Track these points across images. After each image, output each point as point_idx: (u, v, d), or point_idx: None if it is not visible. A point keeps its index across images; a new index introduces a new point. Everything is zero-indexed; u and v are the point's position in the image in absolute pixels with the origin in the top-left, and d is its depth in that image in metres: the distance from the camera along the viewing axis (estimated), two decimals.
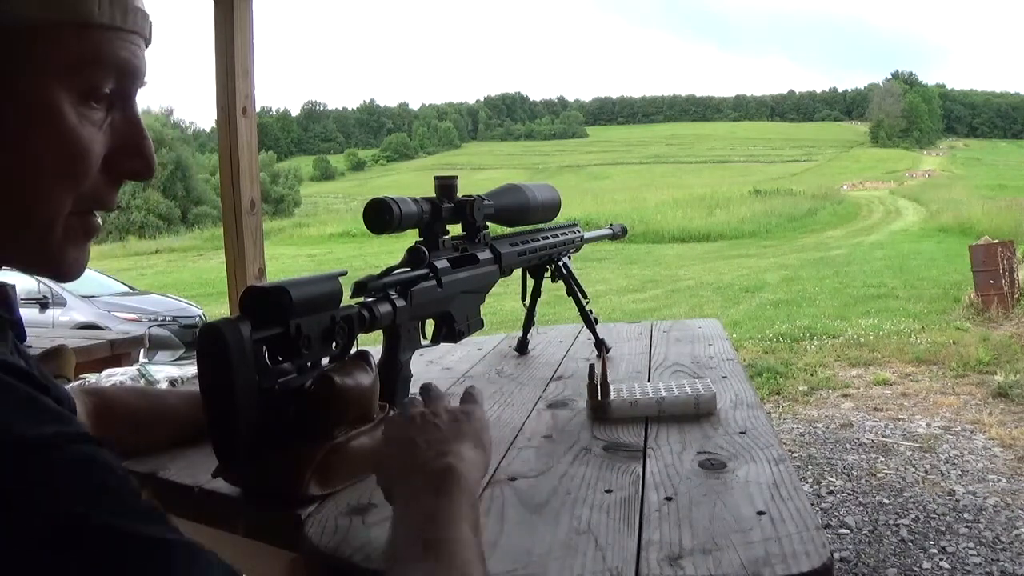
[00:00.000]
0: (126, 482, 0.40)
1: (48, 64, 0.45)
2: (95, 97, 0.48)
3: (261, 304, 0.69)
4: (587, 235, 1.49)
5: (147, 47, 0.52)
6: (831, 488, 3.05)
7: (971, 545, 2.49)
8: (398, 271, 0.94)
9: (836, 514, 2.79)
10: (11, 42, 0.44)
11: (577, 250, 1.46)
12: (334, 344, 0.77)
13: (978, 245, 6.96)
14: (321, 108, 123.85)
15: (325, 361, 0.77)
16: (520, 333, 1.56)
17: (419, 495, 0.58)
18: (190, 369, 1.46)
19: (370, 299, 0.88)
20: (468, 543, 0.53)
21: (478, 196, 1.12)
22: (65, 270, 0.50)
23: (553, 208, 1.32)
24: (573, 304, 1.45)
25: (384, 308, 0.88)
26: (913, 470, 3.19)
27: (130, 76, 0.50)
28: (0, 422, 0.37)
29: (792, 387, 4.65)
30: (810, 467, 3.29)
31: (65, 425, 0.39)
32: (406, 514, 0.58)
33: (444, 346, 1.11)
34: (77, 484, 0.37)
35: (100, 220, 0.52)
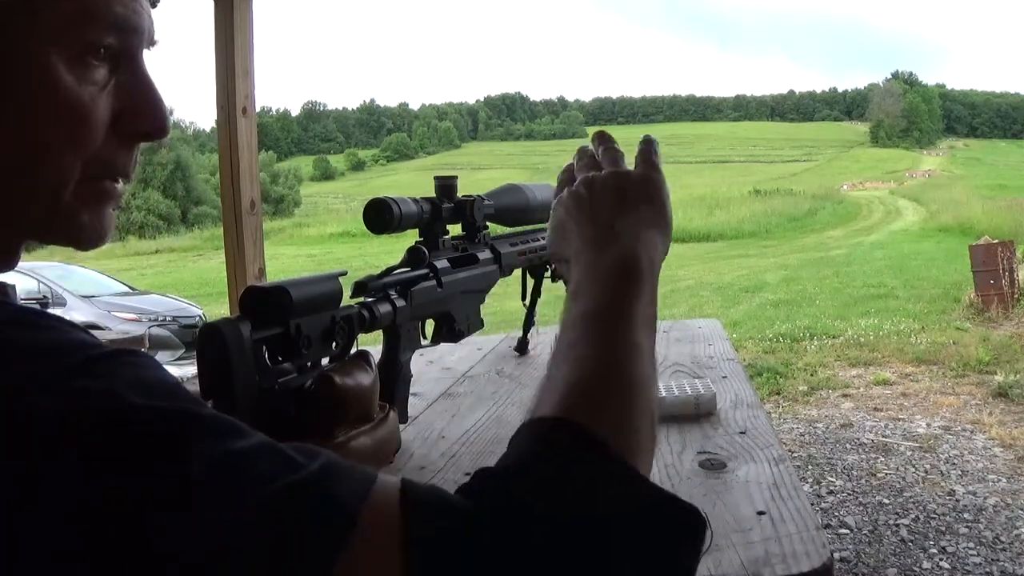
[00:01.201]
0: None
1: (40, 26, 0.43)
2: (93, 55, 0.46)
3: (261, 304, 0.69)
4: None
5: (154, 6, 0.50)
6: (831, 488, 3.05)
7: (971, 545, 2.49)
8: (398, 271, 0.94)
9: (836, 514, 2.79)
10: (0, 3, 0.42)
11: None
12: (334, 344, 0.77)
13: (978, 245, 6.96)
14: (321, 108, 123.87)
15: (325, 361, 0.77)
16: (520, 333, 1.56)
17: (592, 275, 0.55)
18: (190, 369, 1.46)
19: (370, 299, 0.88)
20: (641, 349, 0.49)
21: (478, 196, 1.12)
22: (83, 236, 0.49)
23: None
24: None
25: (384, 308, 0.88)
26: (913, 470, 3.19)
27: (131, 33, 0.47)
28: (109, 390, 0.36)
29: (792, 387, 4.65)
30: (810, 467, 3.29)
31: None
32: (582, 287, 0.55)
33: (444, 346, 1.11)
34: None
35: (120, 186, 0.50)
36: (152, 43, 0.49)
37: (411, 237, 1.01)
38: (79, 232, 0.48)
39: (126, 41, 0.47)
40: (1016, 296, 6.59)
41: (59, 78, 0.44)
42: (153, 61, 0.52)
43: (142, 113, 0.49)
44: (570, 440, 0.42)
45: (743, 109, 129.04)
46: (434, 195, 1.04)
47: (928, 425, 3.79)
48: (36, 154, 0.45)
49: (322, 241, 22.61)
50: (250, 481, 0.36)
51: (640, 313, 0.53)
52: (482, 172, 71.36)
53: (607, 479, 0.41)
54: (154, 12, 0.51)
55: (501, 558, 0.37)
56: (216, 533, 0.34)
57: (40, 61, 0.43)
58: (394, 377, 0.95)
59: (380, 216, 0.92)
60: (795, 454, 3.44)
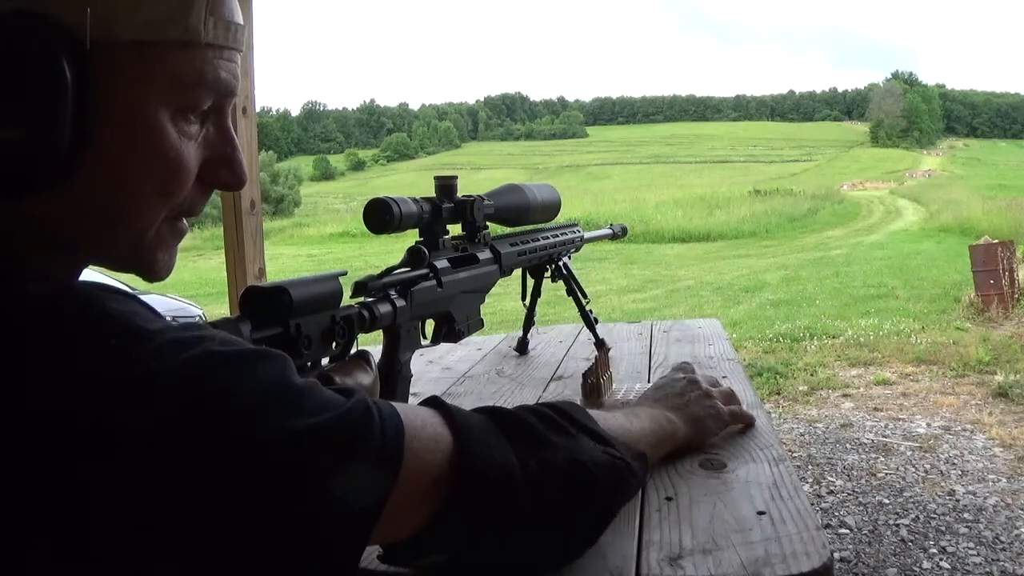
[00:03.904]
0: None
1: (152, 82, 0.46)
2: (194, 113, 0.49)
3: (261, 304, 0.69)
4: (587, 235, 1.49)
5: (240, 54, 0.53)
6: (831, 488, 3.05)
7: (971, 545, 2.49)
8: (398, 271, 0.94)
9: (836, 514, 2.79)
10: (117, 60, 0.44)
11: (577, 250, 1.46)
12: (334, 344, 0.77)
13: (978, 245, 6.96)
14: (321, 108, 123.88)
15: (325, 361, 0.77)
16: (520, 333, 1.56)
17: (649, 412, 0.82)
18: None
19: (370, 299, 0.88)
20: (636, 437, 0.74)
21: (478, 196, 1.12)
22: (155, 272, 0.52)
23: (553, 208, 1.32)
24: (573, 304, 1.45)
25: (384, 308, 0.88)
26: (913, 470, 3.19)
27: (228, 93, 0.51)
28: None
29: (792, 387, 4.65)
30: (810, 467, 3.29)
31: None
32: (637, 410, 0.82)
33: (444, 346, 1.11)
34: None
35: (187, 223, 0.54)
36: (235, 95, 0.53)
37: (411, 237, 1.01)
38: (153, 267, 0.52)
39: (221, 101, 0.51)
40: (1016, 296, 6.58)
41: (165, 132, 0.47)
42: None
43: (225, 167, 0.52)
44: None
45: (743, 109, 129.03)
46: (434, 195, 1.04)
47: (928, 425, 3.79)
48: (131, 201, 0.47)
49: (322, 241, 22.59)
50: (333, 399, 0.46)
51: (650, 444, 0.77)
52: (482, 172, 71.35)
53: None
54: None
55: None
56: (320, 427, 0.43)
57: (148, 115, 0.46)
58: (394, 377, 0.95)
59: (380, 216, 0.92)
60: (795, 454, 3.44)
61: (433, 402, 0.56)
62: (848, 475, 3.17)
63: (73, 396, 0.37)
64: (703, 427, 0.86)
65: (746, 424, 0.92)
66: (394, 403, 0.51)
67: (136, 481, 0.38)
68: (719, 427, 0.88)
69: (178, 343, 0.41)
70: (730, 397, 0.93)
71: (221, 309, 8.09)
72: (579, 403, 1.08)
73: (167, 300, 8.58)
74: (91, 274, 0.58)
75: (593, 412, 0.69)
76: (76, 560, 0.38)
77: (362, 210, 0.93)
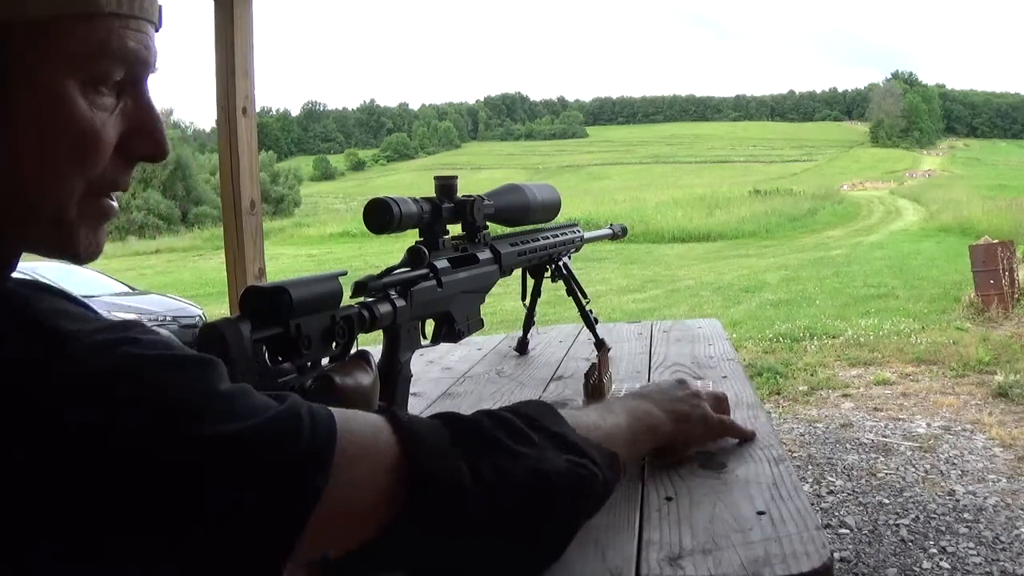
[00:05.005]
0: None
1: (57, 56, 0.45)
2: (105, 85, 0.48)
3: (261, 304, 0.69)
4: (587, 235, 1.49)
5: (157, 31, 0.52)
6: (831, 488, 3.05)
7: (971, 545, 2.49)
8: (398, 271, 0.94)
9: (836, 514, 2.79)
10: (19, 36, 0.44)
11: (577, 250, 1.46)
12: (334, 344, 0.77)
13: (978, 245, 6.96)
14: (321, 108, 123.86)
15: (325, 361, 0.77)
16: (520, 333, 1.56)
17: (628, 404, 0.79)
18: None
19: (370, 299, 0.88)
20: (614, 437, 0.71)
21: (478, 196, 1.12)
22: (80, 252, 0.51)
23: (553, 208, 1.32)
24: (573, 304, 1.45)
25: (384, 308, 0.88)
26: (913, 470, 3.19)
27: (139, 65, 0.50)
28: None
29: (792, 387, 4.65)
30: (810, 467, 3.29)
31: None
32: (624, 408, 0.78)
33: (444, 346, 1.11)
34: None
35: (116, 203, 0.53)
36: (155, 70, 0.52)
37: (411, 237, 1.01)
38: (77, 247, 0.51)
39: (134, 71, 0.50)
40: (1016, 296, 6.58)
41: (74, 105, 0.46)
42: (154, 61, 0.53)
43: (145, 137, 0.52)
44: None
45: (743, 109, 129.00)
46: (434, 195, 1.04)
47: (928, 425, 3.79)
48: (44, 175, 0.47)
49: (322, 241, 22.59)
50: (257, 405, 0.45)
51: (626, 440, 0.74)
52: (482, 172, 71.35)
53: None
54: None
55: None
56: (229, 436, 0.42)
57: (56, 88, 0.46)
58: (394, 377, 0.95)
59: (380, 216, 0.92)
60: (795, 454, 3.44)
61: (383, 410, 0.56)
62: (848, 475, 3.17)
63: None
64: (689, 426, 0.82)
65: (743, 438, 0.88)
66: (338, 410, 0.50)
67: (61, 488, 0.38)
68: (704, 429, 0.84)
69: (97, 348, 0.41)
70: (720, 403, 0.89)
71: (221, 309, 8.09)
72: (581, 403, 1.08)
73: (167, 300, 8.59)
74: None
75: (565, 411, 0.68)
76: (75, 560, 0.38)
77: (362, 210, 0.93)
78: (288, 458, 0.44)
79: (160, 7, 0.52)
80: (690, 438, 0.83)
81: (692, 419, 0.83)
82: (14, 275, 0.49)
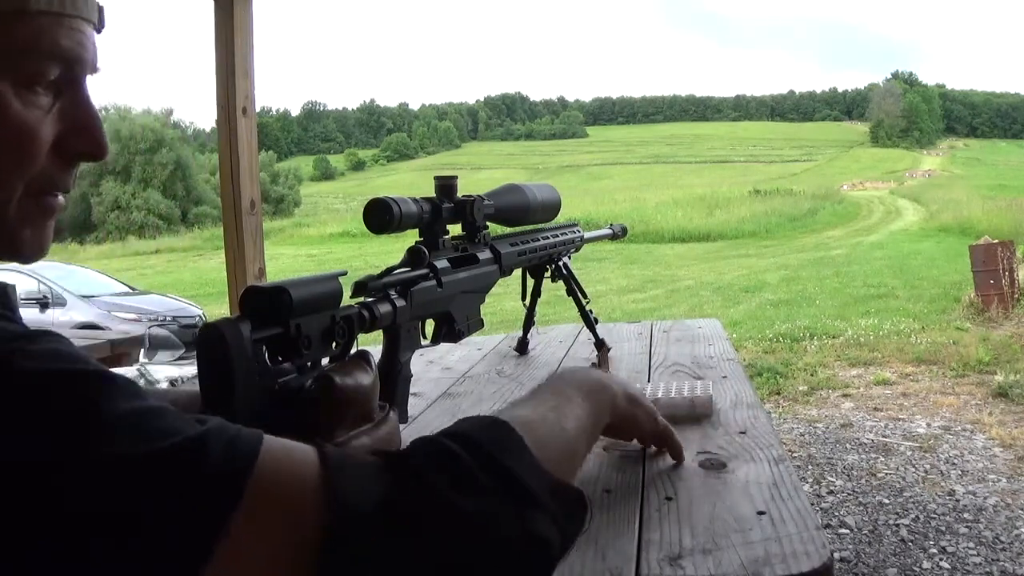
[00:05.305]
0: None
1: None
2: (39, 84, 0.48)
3: (261, 304, 0.69)
4: (587, 235, 1.49)
5: (98, 32, 0.51)
6: (831, 488, 3.05)
7: (971, 545, 2.49)
8: (398, 271, 0.94)
9: (836, 514, 2.79)
10: None
11: (577, 250, 1.46)
12: (334, 344, 0.77)
13: (978, 245, 6.96)
14: (321, 108, 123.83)
15: (325, 361, 0.77)
16: (520, 333, 1.56)
17: (580, 381, 0.74)
18: (190, 369, 1.46)
19: (370, 299, 0.88)
20: (566, 435, 0.64)
21: (478, 196, 1.12)
22: (24, 251, 0.51)
23: (553, 208, 1.32)
24: (573, 304, 1.45)
25: (384, 308, 0.88)
26: (913, 470, 3.19)
27: (75, 63, 0.49)
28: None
29: (792, 387, 4.65)
30: (810, 467, 3.29)
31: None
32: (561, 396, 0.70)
33: (444, 346, 1.11)
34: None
35: (61, 200, 0.53)
36: (95, 70, 0.52)
37: (411, 237, 1.01)
38: (21, 246, 0.51)
39: (71, 70, 0.49)
40: (1016, 296, 6.58)
41: (7, 104, 0.46)
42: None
43: (83, 136, 0.51)
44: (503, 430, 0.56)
45: (743, 109, 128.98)
46: (434, 195, 1.04)
47: (928, 425, 3.79)
48: None
49: (322, 241, 22.59)
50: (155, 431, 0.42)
51: (588, 429, 0.70)
52: (482, 172, 71.32)
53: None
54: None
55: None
56: (116, 471, 0.39)
57: None
58: (394, 377, 0.95)
59: (380, 216, 0.92)
60: (795, 454, 3.44)
61: (315, 442, 0.49)
62: (848, 475, 3.17)
63: None
64: (640, 407, 0.81)
65: (677, 457, 0.85)
66: (268, 440, 0.46)
67: None
68: (651, 423, 0.82)
69: None
70: (666, 433, 0.85)
71: (221, 309, 8.09)
72: None
73: (167, 300, 8.60)
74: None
75: (523, 419, 0.59)
76: (74, 561, 0.38)
77: (362, 210, 0.93)
78: (192, 483, 0.41)
79: (100, 7, 0.52)
80: (639, 421, 0.81)
81: (642, 403, 0.82)
82: None
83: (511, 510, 0.50)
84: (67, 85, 0.50)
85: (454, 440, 0.52)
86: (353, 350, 0.80)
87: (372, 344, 0.94)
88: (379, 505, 0.45)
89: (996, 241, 7.00)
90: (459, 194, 1.08)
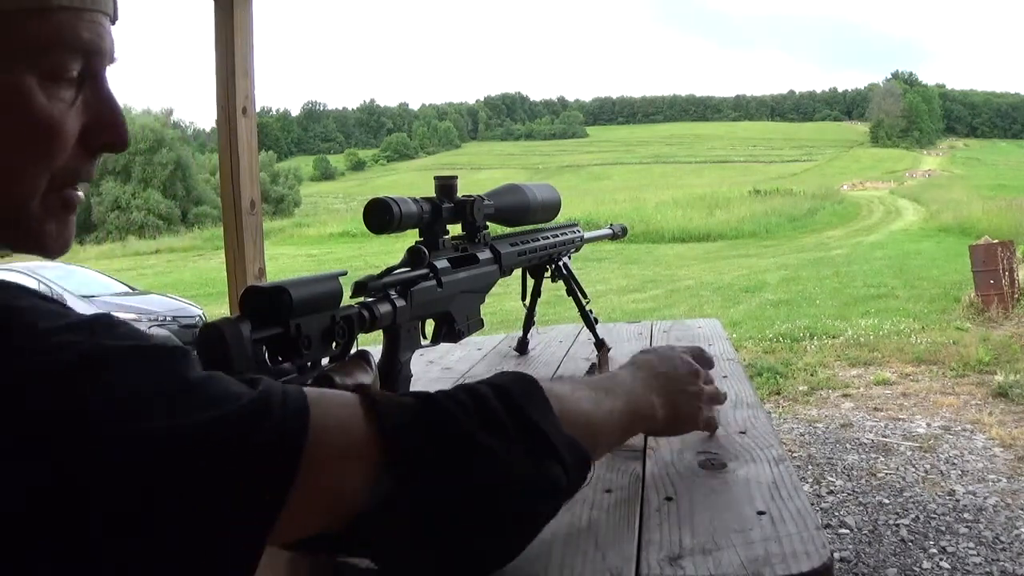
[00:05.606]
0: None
1: (11, 51, 0.46)
2: (63, 78, 0.48)
3: (261, 304, 0.69)
4: (587, 235, 1.49)
5: (113, 23, 0.52)
6: (831, 488, 3.05)
7: (971, 545, 2.49)
8: (398, 271, 0.94)
9: (836, 514, 2.79)
10: None
11: (577, 250, 1.46)
12: (334, 344, 0.77)
13: (978, 245, 6.96)
14: (321, 108, 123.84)
15: (325, 361, 0.77)
16: (520, 333, 1.56)
17: (632, 390, 0.76)
18: None
19: (370, 299, 0.88)
20: (604, 427, 0.69)
21: (478, 196, 1.11)
22: (49, 245, 0.52)
23: (553, 208, 1.32)
24: (573, 304, 1.45)
25: (384, 308, 0.88)
26: (913, 470, 3.19)
27: (96, 55, 0.50)
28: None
29: (792, 387, 4.65)
30: (810, 467, 3.29)
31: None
32: (610, 383, 0.75)
33: (444, 346, 1.11)
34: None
35: (81, 193, 0.53)
36: (112, 60, 0.52)
37: (411, 237, 1.01)
38: (46, 240, 0.51)
39: (92, 63, 0.50)
40: (1016, 296, 6.58)
41: (32, 99, 0.47)
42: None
43: (106, 128, 0.52)
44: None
45: (743, 109, 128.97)
46: (434, 195, 1.04)
47: (928, 425, 3.79)
48: (7, 172, 0.47)
49: (322, 241, 22.60)
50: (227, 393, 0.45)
51: (616, 429, 0.73)
52: (482, 172, 71.33)
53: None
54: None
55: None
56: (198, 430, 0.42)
57: (13, 84, 0.46)
58: (394, 377, 0.95)
59: (380, 216, 0.92)
60: (795, 454, 3.44)
61: (356, 388, 0.54)
62: (848, 475, 3.17)
63: None
64: (679, 423, 0.83)
65: (711, 431, 0.89)
66: (311, 391, 0.50)
67: (28, 481, 0.37)
68: (692, 429, 0.85)
69: (66, 342, 0.41)
70: (714, 400, 0.88)
71: (221, 309, 8.09)
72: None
73: (167, 300, 8.59)
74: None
75: (556, 389, 0.64)
76: (75, 560, 0.38)
77: (362, 210, 0.93)
78: (258, 447, 0.44)
79: (115, 1, 0.52)
80: (672, 434, 0.85)
81: (684, 420, 0.83)
82: None
83: (530, 453, 0.57)
84: (88, 78, 0.51)
85: (490, 387, 0.59)
86: (353, 350, 0.80)
87: (372, 344, 0.94)
88: (419, 441, 0.51)
89: (996, 241, 7.01)
90: (459, 194, 1.08)
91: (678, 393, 0.81)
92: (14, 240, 0.50)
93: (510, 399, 0.58)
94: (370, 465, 0.50)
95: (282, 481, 0.45)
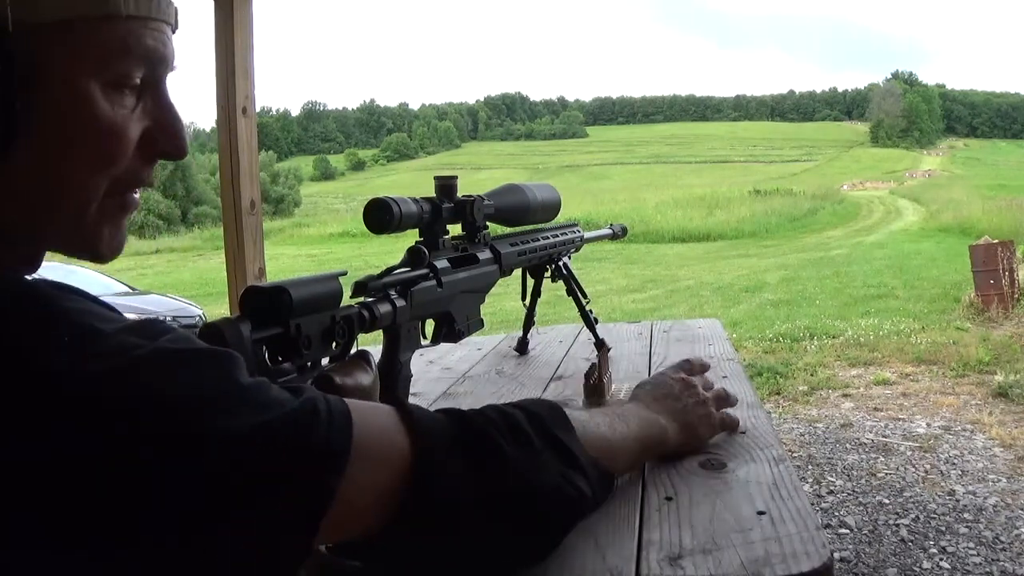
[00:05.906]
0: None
1: (79, 58, 0.47)
2: (126, 85, 0.49)
3: (261, 304, 0.69)
4: (587, 235, 1.49)
5: (174, 32, 0.53)
6: (831, 488, 3.05)
7: (971, 545, 2.49)
8: (398, 271, 0.94)
9: (836, 514, 2.79)
10: (42, 38, 0.45)
11: (577, 250, 1.46)
12: (334, 344, 0.77)
13: (978, 245, 6.96)
14: (321, 108, 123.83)
15: (325, 361, 0.77)
16: (520, 333, 1.56)
17: (640, 415, 0.79)
18: None
19: (370, 299, 0.88)
20: (621, 451, 0.73)
21: (478, 196, 1.12)
22: (103, 249, 0.53)
23: (553, 208, 1.32)
24: (573, 304, 1.45)
25: (384, 308, 0.88)
26: (913, 470, 3.19)
27: (159, 63, 0.51)
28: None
29: (792, 387, 4.65)
30: (810, 467, 3.29)
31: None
32: (625, 411, 0.79)
33: (444, 346, 1.11)
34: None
35: (138, 196, 0.54)
36: (173, 68, 0.53)
37: (411, 237, 1.01)
38: (99, 245, 0.52)
39: (154, 71, 0.51)
40: (1016, 296, 6.58)
41: (96, 105, 0.48)
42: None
43: (166, 135, 0.53)
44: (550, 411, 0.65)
45: (743, 109, 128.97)
46: (434, 195, 1.04)
47: (928, 425, 3.79)
48: (69, 176, 0.48)
49: (322, 241, 22.58)
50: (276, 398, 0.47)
51: (632, 451, 0.76)
52: (482, 172, 71.34)
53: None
54: None
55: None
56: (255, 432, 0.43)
57: (79, 90, 0.47)
58: (394, 377, 0.95)
59: (380, 216, 0.92)
60: (795, 454, 3.44)
61: (394, 402, 0.57)
62: (848, 475, 3.17)
63: (23, 393, 0.38)
64: (695, 434, 0.85)
65: (732, 429, 0.91)
66: (352, 403, 0.52)
67: (79, 475, 0.38)
68: (711, 434, 0.87)
69: (127, 344, 0.42)
70: (723, 400, 0.91)
71: (221, 309, 8.09)
72: (581, 403, 1.08)
73: (167, 300, 8.59)
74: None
75: (576, 415, 0.68)
76: (60, 541, 0.38)
77: (362, 210, 0.93)
78: (305, 455, 0.45)
79: (176, 9, 0.53)
80: (695, 444, 0.86)
81: (700, 428, 0.85)
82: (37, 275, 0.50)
83: (556, 465, 0.60)
84: (150, 85, 0.52)
85: (517, 408, 0.63)
86: (353, 350, 0.80)
87: (372, 344, 0.94)
88: (455, 453, 0.54)
89: (996, 241, 7.00)
90: (459, 194, 1.08)
91: (681, 407, 0.85)
92: (66, 243, 0.51)
93: (538, 419, 0.62)
94: (406, 473, 0.52)
95: (331, 482, 0.46)
